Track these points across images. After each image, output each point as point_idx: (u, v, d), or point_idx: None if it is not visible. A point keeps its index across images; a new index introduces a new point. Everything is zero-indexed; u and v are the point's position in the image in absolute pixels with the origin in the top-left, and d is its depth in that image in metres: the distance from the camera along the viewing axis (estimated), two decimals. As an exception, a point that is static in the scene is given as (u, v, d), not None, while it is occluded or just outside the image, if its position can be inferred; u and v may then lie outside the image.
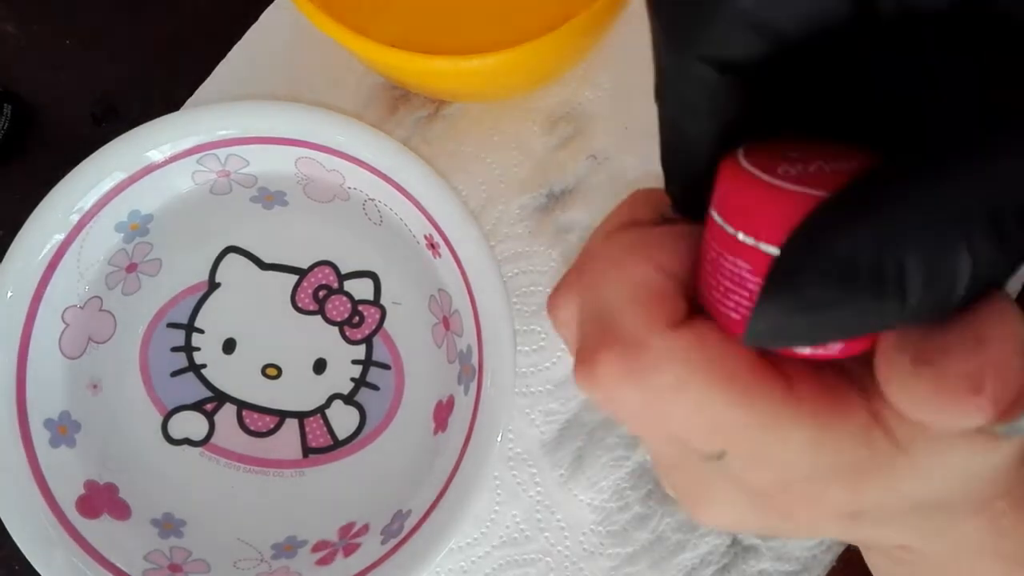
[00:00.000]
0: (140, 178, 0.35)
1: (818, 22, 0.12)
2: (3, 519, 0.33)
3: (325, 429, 0.37)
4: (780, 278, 0.12)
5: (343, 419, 0.37)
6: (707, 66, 0.13)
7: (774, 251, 0.13)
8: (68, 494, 0.34)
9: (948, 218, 0.11)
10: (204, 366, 0.38)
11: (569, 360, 0.37)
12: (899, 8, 0.12)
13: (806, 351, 0.14)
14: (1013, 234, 0.11)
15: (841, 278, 0.12)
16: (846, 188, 0.12)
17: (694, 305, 0.15)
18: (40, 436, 0.34)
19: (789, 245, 0.13)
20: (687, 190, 0.16)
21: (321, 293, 0.38)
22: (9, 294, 0.34)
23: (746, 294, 0.14)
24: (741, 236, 0.13)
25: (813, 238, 0.12)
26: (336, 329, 0.38)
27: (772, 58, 0.13)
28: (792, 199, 0.13)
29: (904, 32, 0.13)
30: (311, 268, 0.38)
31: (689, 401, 0.14)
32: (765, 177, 0.13)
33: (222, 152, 0.35)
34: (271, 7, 0.40)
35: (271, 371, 0.38)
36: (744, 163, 0.13)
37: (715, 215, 0.14)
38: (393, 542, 0.33)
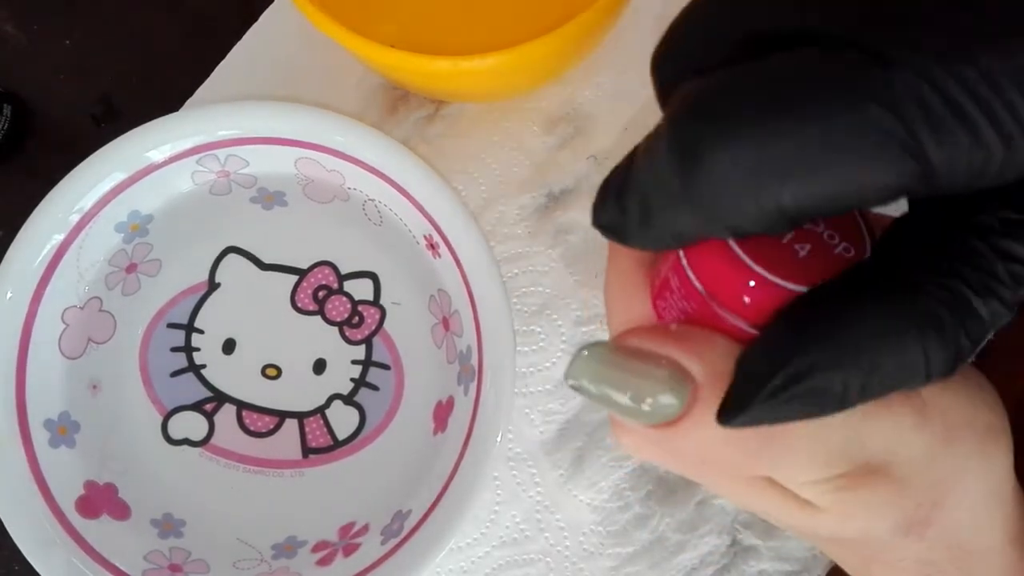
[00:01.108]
0: (140, 178, 0.35)
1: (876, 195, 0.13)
2: (3, 519, 0.33)
3: (325, 429, 0.37)
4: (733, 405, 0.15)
5: (343, 419, 0.37)
6: None
7: (723, 313, 0.16)
8: (68, 494, 0.34)
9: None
10: (204, 366, 0.38)
11: (567, 360, 0.37)
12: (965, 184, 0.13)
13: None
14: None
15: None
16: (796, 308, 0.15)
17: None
18: (40, 436, 0.34)
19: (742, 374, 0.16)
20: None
21: (321, 293, 0.38)
22: (9, 294, 0.34)
23: (680, 314, 0.17)
24: (701, 289, 0.16)
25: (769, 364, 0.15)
26: (336, 329, 0.38)
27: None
28: (760, 288, 0.15)
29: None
30: (311, 268, 0.38)
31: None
32: (744, 258, 0.16)
33: (222, 152, 0.35)
34: (271, 7, 0.40)
35: (271, 371, 0.38)
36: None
37: (684, 262, 0.16)
38: (393, 542, 0.33)
